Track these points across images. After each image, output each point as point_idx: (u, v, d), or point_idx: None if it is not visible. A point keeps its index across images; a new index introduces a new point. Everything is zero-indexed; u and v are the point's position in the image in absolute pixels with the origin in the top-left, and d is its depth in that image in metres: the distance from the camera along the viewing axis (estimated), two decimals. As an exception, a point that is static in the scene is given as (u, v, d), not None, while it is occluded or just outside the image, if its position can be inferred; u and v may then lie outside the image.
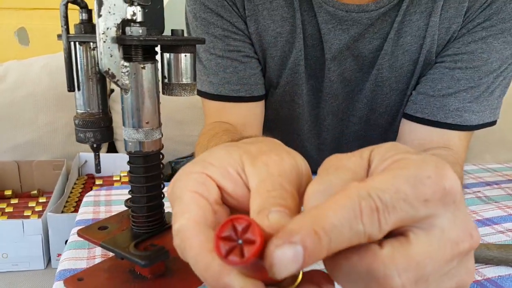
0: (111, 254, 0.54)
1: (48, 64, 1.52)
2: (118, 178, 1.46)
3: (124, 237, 0.47)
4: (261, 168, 0.26)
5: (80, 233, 0.48)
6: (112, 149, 1.68)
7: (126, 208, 0.52)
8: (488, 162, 0.92)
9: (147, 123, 0.40)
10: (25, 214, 1.26)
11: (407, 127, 0.67)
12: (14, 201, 1.35)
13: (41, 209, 1.29)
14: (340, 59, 0.66)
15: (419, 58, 0.64)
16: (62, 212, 1.20)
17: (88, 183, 1.41)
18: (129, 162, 0.46)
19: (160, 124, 0.42)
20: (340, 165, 0.25)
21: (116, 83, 0.38)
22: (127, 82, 0.38)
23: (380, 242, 0.22)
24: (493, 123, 0.66)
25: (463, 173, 0.64)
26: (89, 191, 1.38)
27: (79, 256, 0.54)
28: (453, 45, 0.63)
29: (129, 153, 0.43)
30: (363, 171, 0.24)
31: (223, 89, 0.67)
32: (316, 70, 0.68)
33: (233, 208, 0.28)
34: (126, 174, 1.47)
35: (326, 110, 0.74)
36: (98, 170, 0.47)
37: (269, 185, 0.25)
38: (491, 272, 0.51)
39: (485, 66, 0.62)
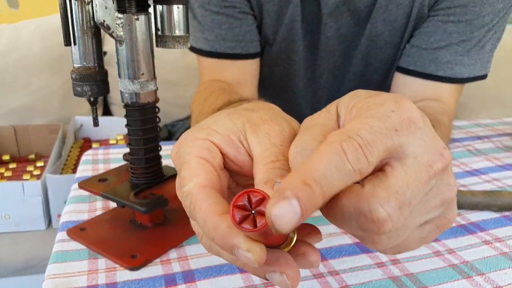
0: (111, 207, 0.56)
1: (39, 27, 1.50)
2: (115, 142, 1.47)
3: (124, 188, 0.48)
4: (263, 137, 0.28)
5: (81, 185, 0.50)
6: (108, 113, 1.68)
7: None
8: (482, 118, 0.93)
9: (142, 74, 0.41)
10: (24, 178, 1.27)
11: (400, 80, 0.67)
12: (12, 165, 1.37)
13: (39, 172, 1.30)
14: (337, 14, 0.66)
15: (412, 11, 0.64)
16: (61, 174, 1.21)
17: (85, 146, 1.42)
18: (126, 116, 0.47)
19: (155, 76, 0.43)
20: (311, 124, 0.26)
21: (111, 34, 0.38)
22: (121, 33, 0.39)
23: (361, 182, 0.23)
24: (483, 76, 0.67)
25: (451, 125, 0.65)
26: (86, 153, 1.39)
27: (81, 209, 0.55)
28: None
29: (125, 105, 0.44)
30: (333, 123, 0.26)
31: (219, 46, 0.68)
32: (313, 26, 0.68)
33: (233, 173, 0.30)
34: (122, 138, 1.48)
35: (322, 67, 0.74)
36: (96, 123, 0.48)
37: (272, 155, 0.26)
38: (475, 216, 0.53)
39: (477, 20, 0.62)
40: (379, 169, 0.24)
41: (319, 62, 0.73)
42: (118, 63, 0.41)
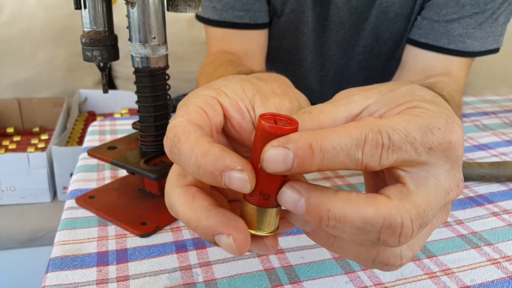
0: (119, 176, 0.56)
1: (42, 0, 1.48)
2: (119, 116, 1.47)
3: (133, 155, 0.48)
4: (271, 107, 0.27)
5: (90, 153, 0.50)
6: (112, 86, 1.68)
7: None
8: (489, 96, 0.92)
9: (153, 38, 0.40)
10: (28, 151, 1.27)
11: (411, 52, 0.66)
12: (16, 138, 1.36)
13: (43, 145, 1.30)
14: None
15: (423, -18, 0.63)
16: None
17: (89, 119, 1.42)
18: (135, 82, 0.46)
19: (166, 41, 0.42)
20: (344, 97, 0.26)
21: (122, -4, 0.38)
22: (133, -5, 0.38)
23: (381, 193, 0.23)
24: (496, 50, 0.66)
25: (461, 101, 0.65)
26: (91, 127, 1.39)
27: (89, 178, 0.55)
28: None
29: (136, 69, 0.44)
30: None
31: (227, 15, 0.67)
32: None
33: (232, 139, 0.29)
34: (127, 111, 1.48)
35: (331, 39, 0.73)
36: (105, 90, 0.47)
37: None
38: (483, 189, 0.53)
39: None
40: (393, 177, 0.24)
41: (328, 34, 0.72)
42: (129, 26, 0.40)
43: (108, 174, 0.56)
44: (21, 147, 1.30)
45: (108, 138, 0.68)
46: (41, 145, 1.30)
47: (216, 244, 0.24)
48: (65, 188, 1.17)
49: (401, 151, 0.22)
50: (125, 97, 1.47)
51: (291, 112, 0.28)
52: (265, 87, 0.29)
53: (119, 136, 0.69)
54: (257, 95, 0.28)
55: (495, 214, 0.48)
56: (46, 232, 1.09)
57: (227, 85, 0.29)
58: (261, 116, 0.23)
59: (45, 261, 1.18)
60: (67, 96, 1.45)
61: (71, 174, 1.16)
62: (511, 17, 0.65)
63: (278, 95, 0.29)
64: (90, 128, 0.73)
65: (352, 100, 0.26)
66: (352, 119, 0.25)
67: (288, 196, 0.23)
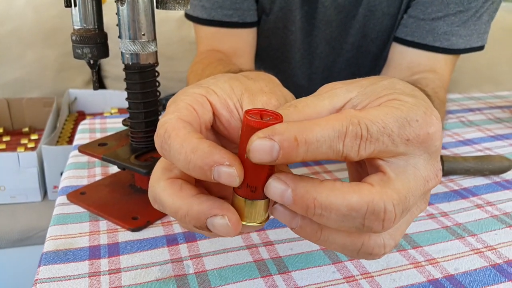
0: (110, 173, 0.56)
1: (32, 0, 1.48)
2: (109, 115, 1.47)
3: (124, 151, 0.49)
4: (258, 104, 0.28)
5: (81, 149, 0.50)
6: (102, 86, 1.67)
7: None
8: (474, 92, 0.94)
9: (143, 35, 0.41)
10: (18, 150, 1.27)
11: (397, 50, 0.68)
12: (6, 138, 1.36)
13: (33, 145, 1.30)
14: None
15: (409, -19, 0.64)
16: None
17: (79, 119, 1.41)
18: (125, 79, 0.47)
19: (155, 37, 0.43)
20: (326, 91, 0.27)
21: (112, -7, 0.38)
22: (123, -8, 0.39)
23: (364, 181, 0.24)
24: (480, 48, 0.68)
25: (446, 97, 0.66)
26: (81, 127, 1.38)
27: (80, 175, 0.56)
28: None
29: (126, 66, 0.44)
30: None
31: (216, 13, 0.67)
32: None
33: (222, 137, 0.30)
34: (116, 111, 1.48)
35: (319, 37, 0.74)
36: (96, 87, 0.48)
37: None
38: (468, 182, 0.54)
39: None
40: (374, 166, 0.25)
41: (316, 33, 0.73)
42: (119, 24, 0.41)
43: (98, 171, 0.56)
44: (11, 147, 1.30)
45: (98, 136, 0.68)
46: (31, 145, 1.30)
47: (206, 230, 0.24)
48: (56, 187, 1.16)
49: (378, 142, 0.23)
50: (115, 96, 1.47)
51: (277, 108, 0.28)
52: (253, 86, 0.30)
53: (109, 134, 0.69)
54: (245, 93, 0.29)
55: (479, 206, 0.49)
56: (37, 231, 1.09)
57: (216, 84, 0.29)
58: (247, 111, 0.23)
59: (36, 260, 1.18)
60: (56, 96, 1.44)
61: (62, 173, 1.16)
62: (494, 16, 0.66)
63: (266, 93, 0.29)
64: (80, 127, 0.73)
65: (336, 94, 0.26)
66: (335, 112, 0.26)
67: (275, 187, 0.24)
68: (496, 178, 0.56)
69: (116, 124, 0.73)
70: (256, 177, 0.24)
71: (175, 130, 0.24)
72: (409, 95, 0.25)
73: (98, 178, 0.54)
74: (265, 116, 0.24)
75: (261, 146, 0.22)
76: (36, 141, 1.32)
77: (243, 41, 0.72)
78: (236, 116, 0.28)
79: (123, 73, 0.46)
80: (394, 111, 0.24)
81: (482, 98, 0.90)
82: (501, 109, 0.83)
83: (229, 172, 0.23)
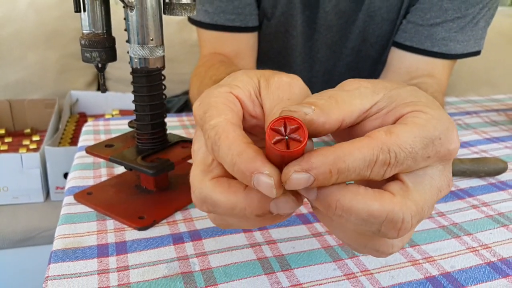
0: (115, 173, 0.57)
1: (34, 1, 1.49)
2: (110, 117, 1.48)
3: (131, 153, 0.50)
4: (273, 92, 0.29)
5: (88, 150, 0.51)
6: (103, 89, 1.69)
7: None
8: (471, 96, 0.96)
9: (151, 40, 0.42)
10: (20, 151, 1.28)
11: (396, 55, 0.69)
12: (8, 139, 1.37)
13: (35, 146, 1.31)
14: None
15: (408, -12, 0.66)
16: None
17: (81, 121, 1.43)
18: (132, 82, 0.48)
19: (163, 42, 0.44)
20: (351, 88, 0.27)
21: (123, 1, 0.40)
22: (132, 0, 0.40)
23: (385, 189, 0.25)
24: (477, 53, 0.70)
25: (444, 101, 0.68)
26: (82, 129, 1.40)
27: (86, 175, 0.57)
28: None
29: (134, 70, 0.46)
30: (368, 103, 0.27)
31: (219, 18, 0.69)
32: (311, 1, 0.70)
33: (249, 130, 0.31)
34: (118, 113, 1.49)
35: (320, 42, 0.75)
36: (103, 90, 0.49)
37: (279, 109, 0.28)
38: (464, 184, 0.56)
39: None
40: (395, 177, 0.26)
41: (316, 37, 0.75)
42: (127, 29, 0.42)
43: (104, 172, 0.58)
44: (13, 148, 1.31)
45: (103, 137, 0.70)
46: (32, 146, 1.31)
47: (269, 214, 0.25)
48: (58, 188, 1.17)
49: (403, 165, 0.24)
50: (116, 98, 1.48)
51: (291, 87, 0.29)
52: (266, 72, 0.31)
53: (113, 135, 0.70)
54: (261, 79, 0.30)
55: (474, 206, 0.51)
56: (39, 231, 1.10)
57: (236, 78, 0.30)
58: (271, 126, 0.24)
59: (38, 260, 1.19)
60: (58, 97, 1.46)
61: (64, 174, 1.17)
62: (491, 21, 0.68)
63: (277, 73, 0.30)
64: (84, 128, 0.74)
65: (364, 94, 0.27)
66: (364, 113, 0.27)
67: (301, 180, 0.24)
68: (492, 180, 0.57)
69: (119, 126, 0.74)
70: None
71: (225, 132, 0.26)
72: (433, 107, 0.26)
73: (103, 178, 0.56)
74: (289, 124, 0.24)
75: (297, 180, 0.23)
76: (38, 142, 1.33)
77: (245, 44, 0.73)
78: (257, 104, 0.29)
79: (125, 75, 0.48)
80: (421, 131, 0.24)
81: (478, 101, 0.92)
82: (497, 112, 0.84)
83: (267, 182, 0.24)
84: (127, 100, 1.48)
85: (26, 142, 1.33)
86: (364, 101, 0.26)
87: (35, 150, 1.27)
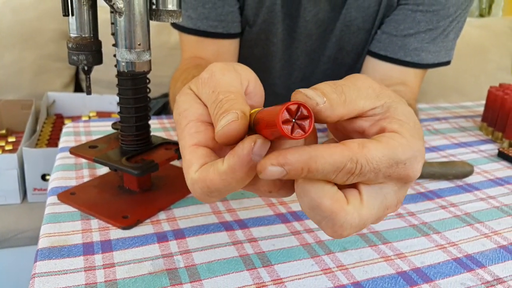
0: (98, 174, 0.58)
1: (11, 1, 1.47)
2: (87, 118, 1.47)
3: (115, 154, 0.51)
4: (203, 91, 0.32)
5: (72, 151, 0.52)
6: (79, 89, 1.68)
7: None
8: (441, 103, 1.00)
9: (139, 44, 0.44)
10: (-6, 152, 1.26)
11: (370, 63, 0.72)
12: (-18, 140, 1.35)
13: (11, 148, 1.29)
14: (315, 0, 0.70)
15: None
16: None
17: (57, 122, 1.41)
18: (118, 85, 0.50)
19: (149, 47, 0.46)
20: (356, 86, 0.29)
21: (112, 6, 0.41)
22: (121, 5, 0.42)
23: (346, 196, 0.27)
24: (447, 62, 0.73)
25: (416, 107, 0.71)
26: (59, 130, 1.39)
27: (68, 176, 0.57)
28: None
29: (120, 73, 0.47)
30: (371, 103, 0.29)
31: (201, 24, 0.70)
32: (292, 10, 0.72)
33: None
34: (95, 114, 1.49)
35: (299, 49, 0.78)
36: (89, 92, 0.50)
37: (210, 108, 0.31)
38: (433, 185, 0.59)
39: (443, 11, 0.68)
40: (355, 187, 0.28)
41: (296, 45, 0.78)
42: (115, 33, 0.43)
43: (86, 173, 0.58)
44: (-13, 149, 1.29)
45: (83, 139, 0.70)
46: (8, 147, 1.29)
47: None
48: (36, 189, 1.16)
49: (364, 177, 0.26)
50: (93, 100, 1.47)
51: (222, 78, 0.32)
52: (202, 74, 0.33)
53: (94, 137, 0.71)
54: (191, 84, 0.33)
55: (443, 207, 0.54)
56: (16, 233, 1.09)
57: (184, 107, 0.33)
58: (287, 106, 0.25)
59: (15, 262, 1.17)
60: (35, 98, 1.44)
61: (42, 176, 1.16)
62: (460, 33, 0.72)
63: (201, 74, 0.33)
64: (64, 130, 0.75)
65: (369, 96, 0.28)
66: (362, 113, 0.28)
67: (273, 171, 0.26)
68: (459, 182, 0.61)
69: (100, 128, 0.75)
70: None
71: (208, 180, 0.28)
72: (413, 135, 0.28)
73: (86, 179, 0.57)
74: (302, 110, 0.25)
75: (272, 172, 0.25)
76: (14, 144, 1.31)
77: (225, 50, 0.75)
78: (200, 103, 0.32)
79: (102, 77, 0.49)
80: (390, 152, 0.26)
81: (448, 108, 0.96)
82: (465, 119, 0.89)
83: (261, 144, 0.26)
84: (104, 101, 1.47)
85: (1, 143, 1.31)
86: (367, 103, 0.28)
87: (11, 151, 1.25)
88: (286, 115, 0.25)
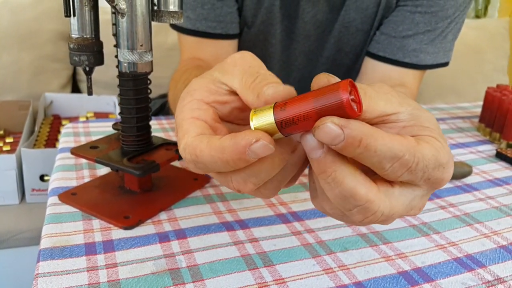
0: (98, 175, 0.58)
1: (9, 1, 1.47)
2: (85, 119, 1.47)
3: (116, 154, 0.51)
4: (233, 70, 0.31)
5: (73, 152, 0.52)
6: (77, 90, 1.67)
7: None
8: (438, 104, 1.01)
9: (141, 45, 0.44)
10: (-7, 153, 1.26)
11: (369, 64, 0.73)
12: (-20, 141, 1.34)
13: (9, 148, 1.29)
14: (314, 1, 0.71)
15: (381, 0, 0.70)
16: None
17: (55, 123, 1.41)
18: (119, 85, 0.50)
19: (151, 48, 0.46)
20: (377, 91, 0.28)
21: (114, 7, 0.41)
22: (123, 6, 0.42)
23: (379, 187, 0.27)
24: (445, 64, 0.74)
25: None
26: (56, 131, 1.38)
27: (68, 177, 0.58)
28: None
29: (122, 74, 0.47)
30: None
31: (200, 25, 0.71)
32: (290, 11, 0.73)
33: (236, 115, 0.33)
34: (92, 115, 1.48)
35: (298, 50, 0.78)
36: (90, 92, 0.50)
37: (249, 78, 0.30)
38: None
39: (442, 12, 0.68)
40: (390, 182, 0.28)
41: (294, 46, 0.78)
42: (117, 34, 0.44)
43: (86, 173, 0.58)
44: (-15, 150, 1.28)
45: (83, 139, 0.70)
46: (6, 148, 1.29)
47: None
48: (34, 190, 1.16)
49: (415, 175, 0.26)
50: (91, 100, 1.47)
51: (244, 58, 0.32)
52: (216, 66, 0.34)
53: (93, 138, 0.71)
54: (215, 72, 0.32)
55: (442, 207, 0.54)
56: (14, 234, 1.08)
57: (191, 84, 0.33)
58: (343, 83, 0.24)
59: (13, 263, 1.17)
60: (32, 99, 1.44)
61: (40, 176, 1.16)
62: (458, 35, 0.73)
63: (223, 61, 0.33)
64: (64, 130, 0.75)
65: (390, 100, 0.28)
66: (383, 116, 0.28)
67: (331, 129, 0.24)
68: (458, 183, 0.61)
69: (99, 128, 0.75)
70: (298, 115, 0.25)
71: (197, 149, 0.28)
72: (444, 139, 0.28)
73: (86, 179, 0.57)
74: (353, 93, 0.25)
75: (329, 130, 0.24)
76: (12, 144, 1.31)
77: (224, 51, 0.76)
78: (224, 91, 0.32)
79: (99, 77, 0.49)
80: (437, 154, 0.27)
81: (445, 109, 0.97)
82: (462, 120, 0.89)
83: (261, 147, 0.25)
84: (101, 102, 1.47)
85: (-1, 143, 1.31)
86: (388, 105, 0.27)
87: (9, 152, 1.25)
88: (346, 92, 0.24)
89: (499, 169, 0.67)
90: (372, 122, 0.27)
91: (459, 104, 1.01)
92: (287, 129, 0.26)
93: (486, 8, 2.59)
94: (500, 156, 0.71)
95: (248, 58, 0.32)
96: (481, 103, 0.84)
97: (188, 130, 0.30)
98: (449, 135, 0.80)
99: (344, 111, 0.24)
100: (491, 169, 0.66)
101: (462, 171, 0.61)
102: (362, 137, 0.24)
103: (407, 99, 0.29)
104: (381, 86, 0.29)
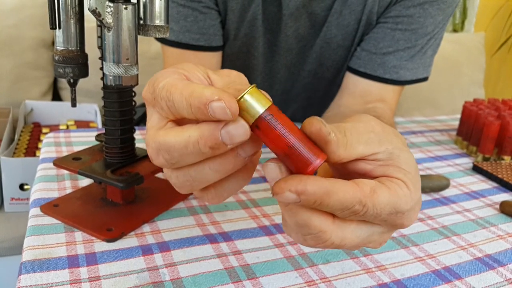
0: (80, 186, 0.58)
1: (-13, 7, 1.45)
2: (65, 127, 1.46)
3: (99, 166, 0.51)
4: (224, 77, 0.32)
5: (56, 163, 0.52)
6: (57, 98, 1.66)
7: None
8: (416, 116, 1.03)
9: (127, 59, 0.44)
10: (-31, 161, 1.23)
11: (350, 79, 0.74)
12: (-44, 148, 1.31)
13: (-14, 156, 1.27)
14: (297, 15, 0.72)
15: (362, 18, 0.71)
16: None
17: (35, 131, 1.39)
18: (103, 97, 0.50)
19: (137, 62, 0.46)
20: (359, 128, 0.30)
21: (101, 21, 0.42)
22: (110, 20, 0.42)
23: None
24: (425, 79, 0.76)
25: (394, 121, 0.73)
26: (36, 139, 1.36)
27: (50, 188, 0.57)
28: (395, 8, 0.70)
29: (107, 87, 0.48)
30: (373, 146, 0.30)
31: (183, 37, 0.71)
32: (273, 25, 0.74)
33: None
34: (73, 123, 1.47)
35: (280, 63, 0.80)
36: (74, 104, 0.50)
37: (234, 87, 0.30)
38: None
39: (421, 29, 0.70)
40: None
41: (277, 59, 0.79)
42: (103, 47, 0.44)
43: (68, 184, 0.58)
44: (-39, 158, 1.25)
45: (64, 149, 0.70)
46: (-17, 156, 1.26)
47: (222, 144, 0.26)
48: (13, 199, 1.14)
49: (364, 218, 0.28)
50: (71, 108, 1.46)
51: (240, 76, 0.32)
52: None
53: (75, 148, 0.71)
54: (208, 71, 0.32)
55: (420, 220, 0.56)
56: (-9, 244, 1.06)
57: (182, 65, 0.32)
58: (324, 156, 0.28)
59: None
60: (12, 106, 1.42)
61: (20, 185, 1.14)
62: (437, 50, 0.75)
63: (225, 70, 0.33)
64: (45, 140, 0.74)
65: (371, 142, 0.29)
66: (363, 157, 0.29)
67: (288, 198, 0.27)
68: (436, 195, 0.63)
69: (80, 138, 0.75)
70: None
71: (174, 86, 0.27)
72: (416, 185, 0.29)
73: (68, 191, 0.56)
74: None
75: (287, 198, 0.27)
76: (-11, 152, 1.29)
77: (207, 62, 0.76)
78: (206, 82, 0.31)
79: (81, 85, 0.49)
80: (395, 202, 0.28)
81: (423, 121, 0.99)
82: (440, 132, 0.92)
83: (219, 106, 0.25)
84: (82, 110, 1.46)
85: (-24, 151, 1.28)
86: (367, 148, 0.29)
87: (-14, 160, 1.23)
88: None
89: (476, 182, 0.69)
90: (350, 160, 0.29)
91: (437, 117, 1.04)
92: (258, 131, 0.27)
93: (463, 22, 2.66)
94: (476, 169, 0.73)
95: (240, 75, 0.33)
96: (459, 116, 0.87)
97: (168, 76, 0.29)
98: (427, 148, 0.82)
99: (307, 171, 0.27)
100: (468, 182, 0.68)
101: (440, 184, 0.62)
102: (316, 199, 0.26)
103: (390, 136, 0.30)
104: (366, 122, 0.30)
